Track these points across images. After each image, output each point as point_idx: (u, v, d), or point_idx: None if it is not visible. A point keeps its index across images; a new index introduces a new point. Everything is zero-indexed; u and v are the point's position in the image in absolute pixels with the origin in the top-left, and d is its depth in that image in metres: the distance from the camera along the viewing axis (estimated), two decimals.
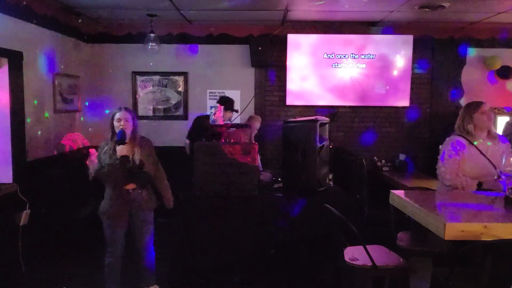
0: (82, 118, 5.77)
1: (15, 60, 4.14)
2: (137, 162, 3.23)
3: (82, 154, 5.46)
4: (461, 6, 4.75)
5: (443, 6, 4.68)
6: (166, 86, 6.01)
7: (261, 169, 4.49)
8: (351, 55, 5.85)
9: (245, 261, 3.71)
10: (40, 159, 4.59)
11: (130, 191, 3.27)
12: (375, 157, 5.95)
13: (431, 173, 4.57)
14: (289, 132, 3.94)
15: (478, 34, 5.85)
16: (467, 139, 3.23)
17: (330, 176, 4.11)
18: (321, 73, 5.88)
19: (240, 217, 3.57)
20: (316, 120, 3.74)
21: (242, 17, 5.42)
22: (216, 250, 3.60)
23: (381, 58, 5.85)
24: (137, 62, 5.92)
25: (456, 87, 5.99)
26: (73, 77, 5.47)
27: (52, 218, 4.51)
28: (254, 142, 3.83)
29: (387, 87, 5.91)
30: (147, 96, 6.00)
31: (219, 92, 5.96)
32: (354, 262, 2.65)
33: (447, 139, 3.32)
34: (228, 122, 4.58)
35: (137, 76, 5.97)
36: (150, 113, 6.01)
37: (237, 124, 4.58)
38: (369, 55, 5.84)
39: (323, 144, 3.86)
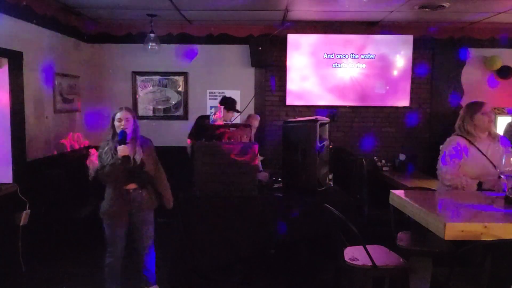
0: (82, 118, 5.76)
1: (15, 60, 4.14)
2: (138, 162, 3.23)
3: (82, 154, 5.47)
4: (461, 6, 4.75)
5: (443, 6, 4.68)
6: (166, 86, 6.01)
7: (260, 169, 4.49)
8: (351, 55, 5.85)
9: (245, 261, 3.71)
10: (40, 159, 4.59)
11: (131, 191, 3.27)
12: (375, 157, 5.95)
13: (431, 173, 4.57)
14: (289, 132, 3.94)
15: (478, 34, 5.85)
16: (467, 140, 3.23)
17: (330, 176, 4.11)
18: (321, 73, 5.88)
19: (240, 217, 3.57)
20: (316, 120, 3.75)
21: (242, 17, 5.42)
22: (216, 250, 3.60)
23: (381, 58, 5.85)
24: (137, 62, 5.92)
25: (456, 87, 6.00)
26: (73, 77, 5.47)
27: (52, 218, 4.51)
28: (254, 142, 3.83)
29: (387, 87, 5.91)
30: (147, 96, 6.01)
31: (219, 92, 5.96)
32: (354, 262, 2.65)
33: (447, 139, 3.32)
34: (229, 122, 4.59)
35: (137, 76, 5.97)
36: (150, 113, 6.01)
37: (238, 124, 4.58)
38: (369, 55, 5.85)
39: (323, 144, 3.87)
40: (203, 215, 3.61)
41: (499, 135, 3.38)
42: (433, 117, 6.05)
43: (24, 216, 4.01)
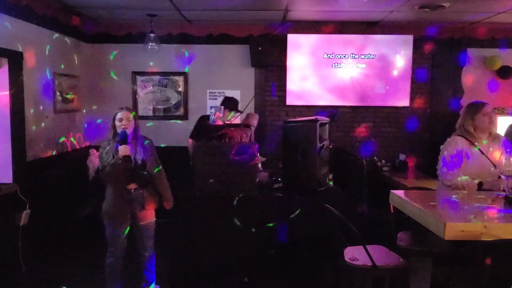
0: (82, 118, 5.76)
1: (15, 60, 4.14)
2: (139, 162, 3.23)
3: (82, 154, 5.48)
4: (461, 6, 4.75)
5: (443, 6, 4.69)
6: (166, 86, 6.01)
7: (260, 169, 4.49)
8: (351, 55, 5.85)
9: (245, 261, 3.71)
10: (40, 159, 4.59)
11: (132, 191, 3.27)
12: (375, 157, 5.95)
13: (431, 173, 4.57)
14: (289, 132, 3.94)
15: (478, 34, 5.85)
16: (468, 140, 3.23)
17: (330, 176, 4.12)
18: (321, 73, 5.88)
19: (240, 217, 3.57)
20: (316, 120, 3.75)
21: (242, 17, 5.42)
22: (216, 250, 3.61)
23: (381, 58, 5.86)
24: (137, 62, 5.92)
25: (456, 87, 6.00)
26: (73, 77, 5.47)
27: (52, 218, 4.50)
28: (254, 142, 3.83)
29: (387, 87, 5.91)
30: (147, 96, 6.01)
31: (219, 92, 5.97)
32: (354, 262, 2.65)
33: (448, 139, 3.32)
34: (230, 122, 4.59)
35: (137, 76, 5.97)
36: (150, 113, 6.01)
37: (238, 124, 4.58)
38: (369, 55, 5.85)
39: (323, 144, 3.87)
40: (203, 215, 3.61)
41: (500, 135, 3.38)
42: (433, 117, 6.05)
43: (24, 216, 4.01)
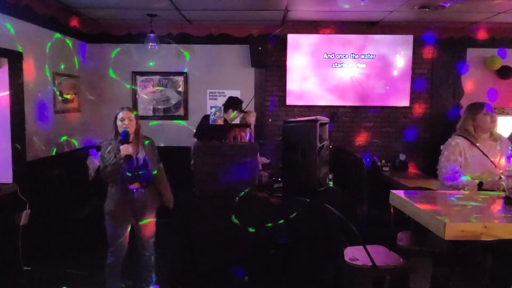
0: (82, 118, 5.76)
1: (15, 60, 4.14)
2: (141, 162, 3.24)
3: (82, 154, 5.48)
4: (461, 6, 4.74)
5: (443, 6, 4.68)
6: (166, 86, 6.01)
7: (260, 168, 4.49)
8: (351, 55, 5.85)
9: (245, 261, 3.71)
10: (40, 159, 4.59)
11: (134, 190, 3.28)
12: (375, 157, 5.95)
13: (431, 173, 4.58)
14: (289, 132, 3.94)
15: (478, 34, 5.85)
16: (469, 140, 3.23)
17: (330, 176, 4.12)
18: (321, 73, 5.88)
19: (240, 217, 3.57)
20: (316, 120, 3.75)
21: (242, 17, 5.42)
22: (216, 250, 3.61)
23: (381, 58, 5.86)
24: (137, 62, 5.92)
25: (456, 87, 6.00)
26: (73, 77, 5.47)
27: (52, 218, 4.51)
28: (254, 142, 3.84)
29: (387, 87, 5.91)
30: (147, 96, 6.01)
31: (219, 92, 5.97)
32: (354, 262, 2.65)
33: (449, 139, 3.32)
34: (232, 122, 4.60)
35: (137, 76, 5.97)
36: (150, 113, 6.01)
37: (238, 124, 4.59)
38: (369, 55, 5.85)
39: (323, 144, 3.87)
40: (203, 215, 3.61)
41: (502, 136, 3.36)
42: (433, 117, 6.05)
43: (24, 216, 4.01)
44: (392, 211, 3.01)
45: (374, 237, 3.01)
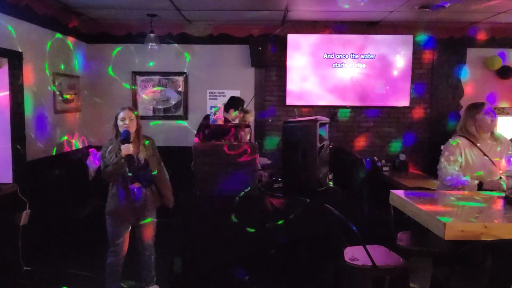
0: (82, 118, 5.76)
1: (15, 60, 4.13)
2: (142, 161, 3.24)
3: (82, 154, 5.48)
4: (461, 6, 4.74)
5: (443, 6, 4.68)
6: (166, 86, 6.01)
7: (260, 168, 4.49)
8: (351, 55, 5.85)
9: (245, 261, 3.71)
10: (40, 159, 4.59)
11: (135, 190, 3.28)
12: (375, 157, 5.95)
13: (431, 173, 4.58)
14: (289, 132, 3.94)
15: (478, 34, 5.85)
16: (469, 140, 3.23)
17: (330, 176, 4.12)
18: (321, 73, 5.88)
19: (240, 217, 3.57)
20: (316, 120, 3.75)
21: (242, 17, 5.42)
22: (216, 250, 3.60)
23: (381, 58, 5.85)
24: (137, 62, 5.92)
25: (456, 87, 6.00)
26: (73, 77, 5.47)
27: (52, 218, 4.51)
28: (254, 142, 3.84)
29: (387, 87, 5.91)
30: (147, 96, 6.00)
31: (219, 92, 5.97)
32: (354, 262, 2.65)
33: (449, 139, 3.32)
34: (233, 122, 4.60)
35: (137, 76, 5.97)
36: (150, 113, 6.01)
37: (238, 124, 4.59)
38: (369, 55, 5.84)
39: (323, 144, 3.87)
40: (203, 215, 3.61)
41: (503, 136, 3.36)
42: (433, 117, 6.05)
43: (24, 216, 4.01)
44: (392, 211, 3.01)
45: (374, 237, 3.01)
